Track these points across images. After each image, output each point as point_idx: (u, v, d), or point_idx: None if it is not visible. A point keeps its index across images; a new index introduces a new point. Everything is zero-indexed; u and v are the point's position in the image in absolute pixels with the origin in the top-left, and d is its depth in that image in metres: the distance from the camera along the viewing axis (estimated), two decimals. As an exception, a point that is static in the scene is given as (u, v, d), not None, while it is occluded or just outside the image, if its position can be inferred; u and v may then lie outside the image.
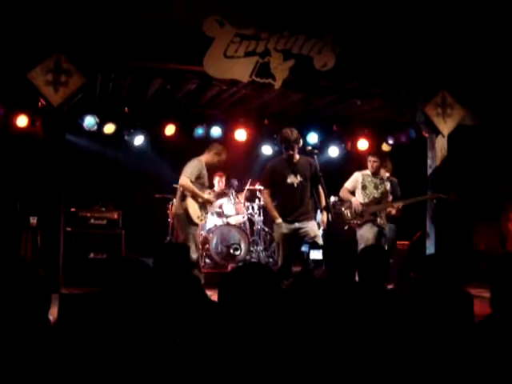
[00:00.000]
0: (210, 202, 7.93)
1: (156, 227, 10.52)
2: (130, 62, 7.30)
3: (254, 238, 10.25)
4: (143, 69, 7.53)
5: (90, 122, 9.60)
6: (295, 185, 7.02)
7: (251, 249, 9.90)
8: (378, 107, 9.47)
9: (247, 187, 10.40)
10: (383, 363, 2.58)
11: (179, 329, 2.89)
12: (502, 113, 8.65)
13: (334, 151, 11.24)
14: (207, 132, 10.45)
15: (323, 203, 7.06)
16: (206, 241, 9.76)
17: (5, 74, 7.01)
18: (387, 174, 8.32)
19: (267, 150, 11.19)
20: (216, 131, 10.46)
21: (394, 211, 7.98)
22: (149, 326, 2.77)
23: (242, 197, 10.28)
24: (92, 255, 8.52)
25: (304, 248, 6.53)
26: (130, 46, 7.07)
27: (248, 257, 9.74)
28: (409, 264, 8.70)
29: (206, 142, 10.53)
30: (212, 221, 10.12)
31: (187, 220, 7.66)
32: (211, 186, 10.69)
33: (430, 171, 8.47)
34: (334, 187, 8.48)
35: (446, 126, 8.34)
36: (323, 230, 7.33)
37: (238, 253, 9.53)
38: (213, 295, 2.61)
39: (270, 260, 9.95)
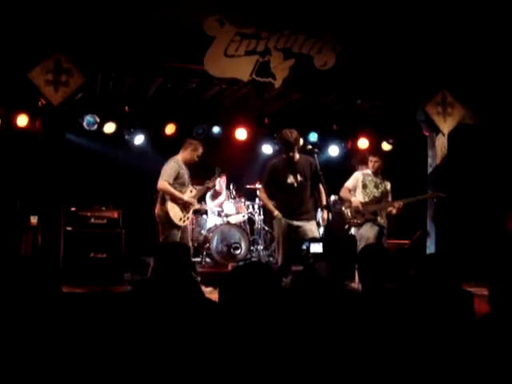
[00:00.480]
0: (190, 204, 7.83)
1: (156, 227, 10.51)
2: (131, 61, 7.31)
3: (255, 237, 10.26)
4: (143, 68, 7.53)
5: (90, 121, 9.60)
6: (295, 185, 7.05)
7: (251, 248, 9.90)
8: (378, 106, 9.47)
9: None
10: (385, 361, 2.58)
11: (180, 328, 2.89)
12: (502, 111, 8.64)
13: (334, 150, 11.24)
14: (207, 131, 10.45)
15: (324, 202, 7.08)
16: (206, 240, 9.76)
17: (5, 74, 7.02)
18: (368, 172, 8.29)
19: (267, 149, 11.19)
20: (216, 130, 10.46)
21: (394, 210, 7.98)
22: (149, 326, 2.77)
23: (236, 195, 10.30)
24: (92, 254, 8.51)
25: (304, 246, 6.54)
26: (130, 45, 7.08)
27: (248, 256, 9.74)
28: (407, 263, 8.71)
29: (207, 141, 10.57)
30: (212, 220, 10.13)
31: (168, 223, 7.67)
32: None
33: (430, 170, 8.47)
34: (334, 186, 8.48)
35: (446, 125, 8.33)
36: (324, 228, 7.34)
37: (238, 252, 9.52)
38: (213, 294, 2.61)
39: (271, 259, 9.96)
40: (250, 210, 10.35)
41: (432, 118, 8.29)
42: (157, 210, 7.80)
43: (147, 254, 9.00)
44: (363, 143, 11.10)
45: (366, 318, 3.16)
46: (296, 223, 7.04)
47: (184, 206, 7.74)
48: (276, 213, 7.10)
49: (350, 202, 8.11)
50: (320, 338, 2.54)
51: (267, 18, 7.41)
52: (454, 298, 3.08)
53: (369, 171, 8.21)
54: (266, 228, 10.30)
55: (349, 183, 8.29)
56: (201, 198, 10.59)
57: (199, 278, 7.72)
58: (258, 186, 10.21)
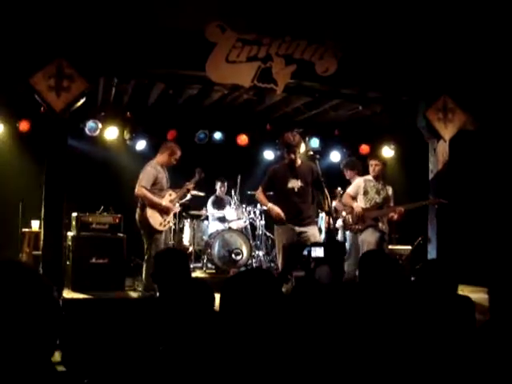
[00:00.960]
0: (168, 209, 7.80)
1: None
2: (132, 67, 7.32)
3: (256, 243, 10.26)
4: (145, 74, 7.55)
5: (92, 126, 9.63)
6: (296, 189, 7.06)
7: (253, 253, 9.90)
8: (380, 112, 9.48)
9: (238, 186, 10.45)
10: (385, 367, 2.58)
11: (179, 334, 2.90)
12: (503, 117, 8.65)
13: (335, 156, 11.26)
14: (209, 137, 10.47)
15: (326, 208, 7.10)
16: (207, 245, 9.77)
17: (8, 79, 7.04)
18: (370, 177, 8.28)
19: (269, 155, 11.22)
20: (218, 136, 10.49)
21: (395, 216, 7.97)
22: (150, 332, 2.78)
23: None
24: (94, 260, 8.51)
25: (305, 251, 6.54)
26: (132, 51, 7.09)
27: (250, 261, 9.74)
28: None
29: (209, 147, 10.60)
30: (214, 225, 10.14)
31: (149, 228, 7.68)
32: (213, 191, 10.74)
33: (431, 176, 8.47)
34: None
35: (447, 131, 8.33)
36: (325, 233, 7.35)
37: (239, 257, 9.53)
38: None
39: (272, 265, 9.96)
40: (252, 215, 10.36)
41: (433, 123, 8.29)
42: (137, 216, 7.82)
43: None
44: (364, 149, 11.13)
45: (367, 323, 3.16)
46: (298, 229, 7.05)
47: (163, 211, 7.73)
48: (269, 205, 7.16)
49: (351, 207, 8.11)
50: (321, 343, 2.54)
51: (269, 24, 7.43)
52: (454, 303, 3.08)
53: (370, 177, 8.21)
54: (268, 233, 10.31)
55: (350, 189, 8.30)
56: (202, 205, 10.63)
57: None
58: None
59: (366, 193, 8.12)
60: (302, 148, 7.61)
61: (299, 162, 7.15)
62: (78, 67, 6.79)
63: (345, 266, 8.00)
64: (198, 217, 10.45)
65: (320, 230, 8.21)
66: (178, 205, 8.09)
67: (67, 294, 7.69)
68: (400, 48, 7.96)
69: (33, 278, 1.85)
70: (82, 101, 7.02)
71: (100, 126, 9.68)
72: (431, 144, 8.52)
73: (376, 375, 2.53)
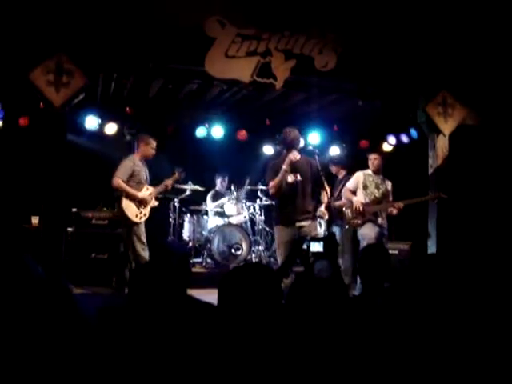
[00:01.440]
0: (144, 201, 7.78)
1: (157, 227, 10.53)
2: (132, 62, 7.31)
3: (256, 238, 10.27)
4: (145, 69, 7.54)
5: (91, 122, 9.62)
6: (295, 183, 7.05)
7: (252, 248, 9.91)
8: (379, 107, 9.47)
9: (246, 186, 10.44)
10: (387, 363, 2.58)
11: (177, 329, 2.90)
12: (503, 112, 8.63)
13: (335, 151, 11.24)
14: (208, 132, 10.47)
15: (325, 200, 7.12)
16: (207, 241, 9.78)
17: (6, 75, 7.02)
18: (369, 172, 8.27)
19: (268, 150, 11.21)
20: (217, 131, 10.48)
21: (395, 211, 7.97)
22: (147, 328, 2.77)
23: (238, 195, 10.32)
24: (94, 255, 8.53)
25: (304, 246, 6.55)
26: (131, 46, 7.08)
27: (249, 256, 9.75)
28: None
29: (208, 142, 10.59)
30: (213, 221, 10.14)
31: (125, 220, 7.68)
32: (213, 186, 10.75)
33: (431, 171, 8.47)
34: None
35: (447, 126, 8.33)
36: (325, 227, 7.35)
37: (239, 252, 9.54)
38: (214, 295, 2.61)
39: (271, 260, 9.97)
40: (251, 210, 10.37)
41: (433, 118, 8.29)
42: (116, 208, 7.83)
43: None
44: (364, 144, 11.12)
45: (367, 320, 3.16)
46: (298, 224, 7.04)
47: (140, 203, 7.73)
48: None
49: (350, 202, 8.11)
50: (320, 340, 2.54)
51: (268, 19, 7.41)
52: (453, 298, 3.07)
53: (369, 171, 8.20)
54: (267, 229, 10.32)
55: (350, 184, 8.28)
56: (201, 199, 10.64)
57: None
58: (259, 187, 10.24)
59: (365, 187, 8.10)
60: (301, 143, 7.60)
61: (298, 156, 7.14)
62: (77, 63, 6.78)
63: (340, 261, 8.03)
64: (197, 212, 10.46)
65: (320, 225, 8.20)
66: (154, 200, 7.99)
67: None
68: (400, 43, 7.95)
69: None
70: (81, 96, 7.01)
71: (99, 121, 9.67)
72: (431, 139, 8.52)
73: (376, 371, 2.52)
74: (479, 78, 8.30)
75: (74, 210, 9.00)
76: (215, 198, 10.67)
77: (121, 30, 6.98)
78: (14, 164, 9.66)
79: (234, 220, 10.02)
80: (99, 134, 9.91)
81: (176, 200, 10.12)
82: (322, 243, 6.24)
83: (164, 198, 10.17)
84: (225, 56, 7.27)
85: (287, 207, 7.06)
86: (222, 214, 10.16)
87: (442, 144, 8.38)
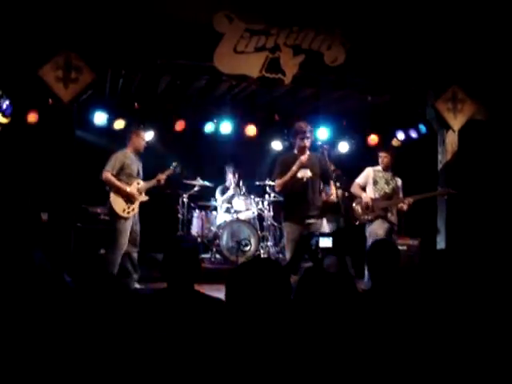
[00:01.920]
0: (133, 196, 7.73)
1: (166, 223, 10.55)
2: (140, 58, 7.31)
3: (264, 234, 10.25)
4: (153, 65, 7.53)
5: (99, 118, 9.63)
6: (305, 179, 7.04)
7: (261, 244, 9.90)
8: (388, 102, 9.43)
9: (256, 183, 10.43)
10: (396, 358, 2.57)
11: (186, 324, 2.90)
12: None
13: (344, 147, 11.22)
14: (217, 128, 10.46)
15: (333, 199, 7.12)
16: (215, 236, 9.78)
17: (16, 71, 7.04)
18: (379, 168, 8.25)
19: (277, 145, 11.20)
20: (226, 127, 10.46)
21: (405, 207, 7.94)
22: (155, 323, 2.77)
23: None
24: (102, 251, 8.53)
25: (312, 241, 6.54)
26: (139, 42, 7.08)
27: (258, 252, 9.74)
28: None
29: (216, 138, 10.58)
30: (222, 216, 10.14)
31: (112, 214, 7.68)
32: (221, 181, 10.74)
33: (440, 166, 8.43)
34: (344, 183, 8.47)
35: (456, 121, 8.29)
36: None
37: (247, 248, 9.53)
38: (223, 291, 2.60)
39: (280, 255, 9.95)
40: (260, 206, 10.36)
41: (442, 114, 8.25)
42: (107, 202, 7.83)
43: (157, 251, 9.02)
44: (373, 139, 11.08)
45: (376, 315, 3.15)
46: (307, 221, 7.03)
47: (128, 198, 7.69)
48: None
49: (360, 198, 8.09)
50: (328, 334, 2.53)
51: (277, 14, 7.39)
52: (463, 294, 3.06)
53: (379, 167, 8.18)
54: (276, 224, 10.30)
55: (359, 179, 8.26)
56: (210, 195, 10.64)
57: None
58: (267, 182, 10.22)
59: (375, 182, 8.09)
60: (310, 132, 7.56)
61: (308, 152, 7.13)
62: (85, 59, 6.79)
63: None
64: (206, 207, 10.46)
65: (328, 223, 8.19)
66: (144, 194, 7.94)
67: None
68: (409, 37, 7.91)
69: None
70: (89, 92, 7.02)
71: (108, 116, 9.67)
72: (440, 134, 8.48)
73: (384, 366, 2.51)
74: (488, 73, 8.25)
75: (82, 205, 9.02)
76: (224, 193, 10.67)
77: (129, 26, 6.98)
78: (22, 160, 9.68)
79: (243, 216, 10.01)
80: (107, 130, 9.92)
81: (185, 196, 10.12)
82: (330, 239, 6.23)
83: (172, 194, 10.20)
84: (233, 51, 7.25)
85: (296, 204, 7.05)
86: (230, 210, 10.15)
87: (451, 139, 8.34)
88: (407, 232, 9.57)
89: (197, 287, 3.49)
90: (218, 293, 3.44)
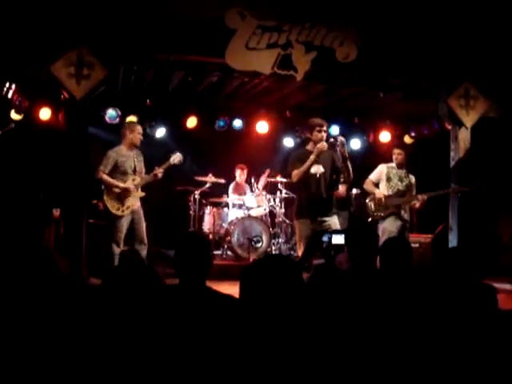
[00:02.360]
0: (127, 191, 7.52)
1: (177, 219, 10.57)
2: (152, 54, 7.32)
3: (276, 231, 10.25)
4: (165, 61, 7.54)
5: (111, 114, 9.65)
6: (318, 175, 7.02)
7: (273, 241, 9.90)
8: (401, 99, 9.40)
9: (264, 178, 10.41)
10: (406, 356, 2.56)
11: (197, 321, 2.90)
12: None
13: (355, 144, 11.20)
14: (229, 124, 10.46)
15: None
16: (227, 233, 9.79)
17: (28, 67, 7.06)
18: (393, 164, 8.23)
19: (289, 142, 11.20)
20: (237, 123, 10.47)
21: (418, 204, 7.92)
22: (168, 320, 2.78)
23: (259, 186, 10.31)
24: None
25: (324, 238, 6.52)
26: (151, 38, 7.08)
27: (269, 249, 9.74)
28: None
29: (228, 134, 10.58)
30: (233, 213, 10.14)
31: (107, 213, 7.58)
32: (233, 178, 10.74)
33: (452, 163, 8.40)
34: (356, 179, 8.45)
35: (469, 118, 8.25)
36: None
37: (259, 245, 9.53)
38: (234, 287, 2.60)
39: (292, 252, 9.94)
40: (272, 203, 10.35)
41: (455, 111, 8.22)
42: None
43: (169, 247, 9.04)
44: (385, 137, 11.06)
45: (387, 312, 3.14)
46: (319, 218, 7.01)
47: (122, 195, 7.52)
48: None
49: (373, 194, 8.07)
50: (342, 330, 2.53)
51: (289, 11, 7.38)
52: (476, 292, 3.04)
53: (393, 164, 8.16)
54: (287, 221, 10.30)
55: (372, 176, 8.24)
56: (221, 191, 10.65)
57: None
58: (279, 179, 10.21)
59: (388, 179, 8.07)
60: (325, 127, 7.51)
61: (326, 146, 7.01)
62: (98, 55, 6.80)
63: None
64: (217, 204, 10.47)
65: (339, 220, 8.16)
66: (140, 190, 7.75)
67: (87, 280, 7.73)
68: (421, 34, 7.87)
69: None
70: (101, 88, 7.03)
71: (120, 113, 9.69)
72: (453, 131, 8.44)
73: (395, 363, 2.51)
74: (501, 70, 8.21)
75: (94, 201, 9.04)
76: (236, 189, 10.68)
77: (141, 22, 6.99)
78: (35, 157, 9.72)
79: (254, 212, 10.01)
80: (120, 127, 9.94)
81: (196, 192, 10.13)
82: (343, 236, 6.21)
83: (184, 191, 10.21)
84: (245, 48, 7.25)
85: (308, 200, 7.02)
86: (241, 207, 10.16)
87: (463, 136, 8.30)
88: (419, 229, 9.56)
89: (208, 283, 3.49)
90: (230, 290, 3.44)
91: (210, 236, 10.03)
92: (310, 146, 7.17)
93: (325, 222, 6.97)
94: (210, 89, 9.52)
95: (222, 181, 10.41)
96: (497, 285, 3.81)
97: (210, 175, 10.09)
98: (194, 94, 9.86)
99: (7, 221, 8.80)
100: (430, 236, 9.25)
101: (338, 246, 6.17)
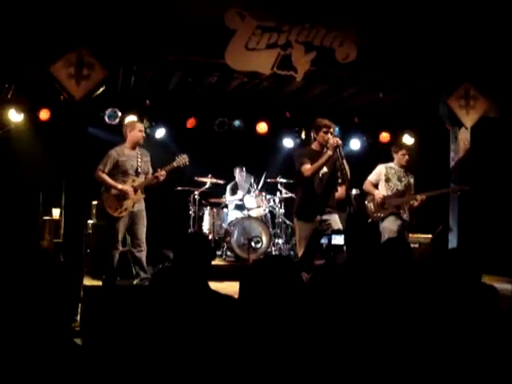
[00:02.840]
0: (125, 194, 7.43)
1: (177, 220, 10.57)
2: (152, 55, 7.31)
3: (276, 231, 10.25)
4: (165, 62, 7.53)
5: (111, 115, 9.66)
6: (320, 175, 7.00)
7: (272, 241, 9.89)
8: (400, 99, 9.40)
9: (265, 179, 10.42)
10: (408, 356, 2.56)
11: (198, 321, 2.90)
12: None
13: (355, 144, 11.20)
14: (228, 125, 10.47)
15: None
16: (227, 233, 9.79)
17: (28, 67, 7.06)
18: (391, 165, 8.22)
19: (288, 142, 11.21)
20: (237, 124, 10.48)
21: (416, 203, 7.91)
22: (169, 320, 2.77)
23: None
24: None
25: (323, 240, 6.51)
26: (151, 39, 7.08)
27: (269, 249, 9.74)
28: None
29: (228, 135, 10.59)
30: (233, 213, 10.15)
31: (105, 214, 7.55)
32: (232, 178, 10.74)
33: (452, 164, 8.40)
34: (356, 180, 8.44)
35: (469, 118, 8.24)
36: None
37: (259, 245, 9.53)
38: (234, 287, 2.60)
39: (291, 253, 9.95)
40: (271, 203, 10.35)
41: (454, 111, 8.21)
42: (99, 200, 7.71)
43: (168, 248, 9.02)
44: (385, 137, 11.07)
45: (386, 311, 3.14)
46: (319, 218, 6.99)
47: (120, 196, 7.42)
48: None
49: (372, 195, 8.06)
50: (342, 331, 2.52)
51: (288, 11, 7.38)
52: (477, 293, 3.04)
53: (392, 164, 8.15)
54: (287, 221, 10.30)
55: (371, 177, 8.22)
56: (221, 192, 10.65)
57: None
58: (279, 179, 10.22)
59: (387, 180, 8.05)
60: (333, 128, 7.46)
61: (340, 142, 6.94)
62: (97, 55, 6.79)
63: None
64: (217, 205, 10.47)
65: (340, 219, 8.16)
66: (140, 192, 7.63)
67: (87, 281, 7.74)
68: (421, 34, 7.87)
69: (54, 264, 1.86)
70: (101, 89, 7.02)
71: (119, 114, 9.69)
72: (452, 131, 8.44)
73: (395, 363, 2.51)
74: (501, 70, 8.20)
75: (94, 202, 9.04)
76: (234, 190, 10.68)
77: (140, 22, 6.98)
78: (35, 157, 9.73)
79: (254, 213, 10.01)
80: (119, 127, 9.94)
81: (196, 193, 10.13)
82: (342, 236, 6.20)
83: (184, 191, 10.22)
84: (245, 48, 7.24)
85: (310, 200, 7.00)
86: (241, 207, 10.16)
87: (463, 137, 8.30)
88: (419, 229, 9.55)
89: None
90: (229, 290, 3.44)
91: (210, 236, 10.04)
92: (314, 146, 7.13)
93: (326, 220, 6.95)
94: (209, 89, 9.52)
95: (222, 181, 10.41)
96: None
97: (210, 176, 10.10)
98: (194, 94, 9.86)
99: (5, 221, 8.83)
100: (429, 236, 9.24)
101: (337, 246, 6.16)
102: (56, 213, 9.33)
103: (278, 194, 10.36)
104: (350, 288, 2.69)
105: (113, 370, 2.21)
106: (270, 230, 9.83)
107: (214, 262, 9.01)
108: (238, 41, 7.21)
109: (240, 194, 10.41)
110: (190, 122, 10.24)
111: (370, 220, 8.16)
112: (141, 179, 7.64)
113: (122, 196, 7.44)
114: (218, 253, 10.02)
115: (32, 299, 1.79)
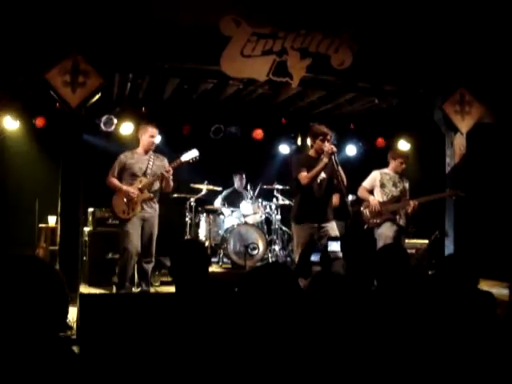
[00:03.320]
0: (127, 193, 7.30)
1: (173, 227, 10.54)
2: (148, 62, 7.32)
3: (272, 238, 10.23)
4: (160, 69, 7.55)
5: (107, 122, 9.65)
6: (318, 181, 6.99)
7: (269, 248, 9.87)
8: (396, 105, 9.42)
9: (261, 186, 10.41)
10: (403, 362, 2.56)
11: (197, 328, 2.89)
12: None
13: (351, 150, 11.21)
14: (224, 131, 10.47)
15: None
16: (223, 240, 9.76)
17: (23, 75, 7.06)
18: (386, 170, 8.22)
19: (284, 148, 11.21)
20: (233, 130, 10.48)
21: (409, 209, 7.89)
22: (168, 326, 2.77)
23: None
24: (110, 255, 8.53)
25: (322, 245, 6.50)
26: (147, 46, 7.09)
27: (266, 256, 9.72)
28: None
29: (224, 142, 10.59)
30: (229, 220, 10.12)
31: (115, 217, 7.57)
32: (228, 185, 10.74)
33: (448, 169, 8.41)
34: (352, 186, 8.44)
35: (464, 124, 8.28)
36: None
37: (255, 252, 9.50)
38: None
39: (288, 259, 9.93)
40: (268, 210, 10.34)
41: (450, 116, 8.24)
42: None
43: (164, 254, 9.00)
44: (380, 143, 11.08)
45: (383, 319, 3.13)
46: (317, 224, 6.98)
47: (127, 198, 7.32)
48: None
49: (368, 201, 8.05)
50: (338, 338, 2.52)
51: (283, 18, 7.40)
52: (473, 298, 3.04)
53: (387, 170, 8.15)
54: (284, 228, 10.28)
55: (366, 183, 8.21)
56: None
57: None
58: (275, 186, 10.20)
59: (382, 186, 8.04)
60: (330, 135, 7.44)
61: (335, 149, 6.93)
62: (93, 63, 6.80)
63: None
64: (213, 211, 10.45)
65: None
66: (148, 191, 7.46)
67: (84, 289, 7.72)
68: (416, 40, 7.90)
69: (47, 273, 1.86)
70: (97, 96, 7.03)
71: (115, 121, 9.69)
72: (448, 137, 8.46)
73: (394, 371, 2.50)
74: (497, 76, 8.23)
75: (90, 209, 9.02)
76: (231, 196, 10.65)
77: (136, 30, 6.99)
78: (31, 164, 9.72)
79: (250, 219, 9.99)
80: (115, 134, 9.94)
81: (192, 199, 10.11)
82: (339, 243, 6.19)
83: (180, 198, 10.19)
84: (240, 55, 7.25)
85: (307, 206, 6.99)
86: (238, 214, 10.14)
87: (459, 142, 8.33)
88: (415, 234, 9.55)
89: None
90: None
91: (207, 243, 10.01)
92: (311, 152, 7.11)
93: (323, 227, 6.95)
94: (205, 96, 9.53)
95: (218, 188, 10.40)
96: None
97: (206, 182, 10.08)
98: (190, 101, 9.86)
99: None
100: (426, 242, 9.24)
101: (334, 252, 6.15)
102: (52, 220, 9.31)
103: (275, 200, 10.34)
104: (348, 295, 2.69)
105: (109, 377, 2.20)
106: (267, 236, 9.80)
107: (210, 269, 9.01)
108: (233, 47, 7.22)
109: (240, 201, 10.37)
110: (186, 129, 10.23)
111: (366, 226, 8.15)
112: (146, 179, 7.52)
113: (128, 197, 7.35)
114: (215, 259, 9.99)
115: (21, 306, 1.78)
